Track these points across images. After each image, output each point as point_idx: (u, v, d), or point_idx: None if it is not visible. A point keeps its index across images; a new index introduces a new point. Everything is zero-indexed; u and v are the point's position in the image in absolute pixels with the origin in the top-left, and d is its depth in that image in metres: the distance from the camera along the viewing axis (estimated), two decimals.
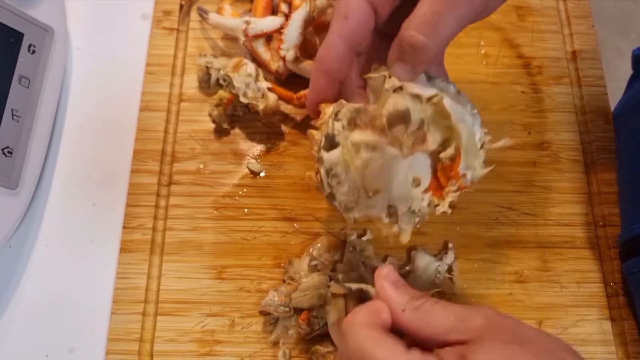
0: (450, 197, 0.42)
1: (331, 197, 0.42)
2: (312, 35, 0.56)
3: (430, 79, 0.43)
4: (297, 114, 0.57)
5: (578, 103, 0.58)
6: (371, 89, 0.44)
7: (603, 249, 0.52)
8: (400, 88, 0.41)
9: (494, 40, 0.61)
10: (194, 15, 0.61)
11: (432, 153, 0.42)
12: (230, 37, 0.60)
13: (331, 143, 0.42)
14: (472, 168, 0.42)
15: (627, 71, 0.59)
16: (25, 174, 0.50)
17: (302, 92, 0.55)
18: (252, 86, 0.53)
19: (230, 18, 0.58)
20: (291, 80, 0.58)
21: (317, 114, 0.44)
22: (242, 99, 0.53)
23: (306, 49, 0.56)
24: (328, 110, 0.42)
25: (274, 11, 0.58)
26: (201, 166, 0.55)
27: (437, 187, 0.42)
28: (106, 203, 0.53)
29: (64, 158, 0.55)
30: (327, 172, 0.42)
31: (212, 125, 0.56)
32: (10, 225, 0.49)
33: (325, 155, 0.41)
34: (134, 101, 0.57)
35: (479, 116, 0.43)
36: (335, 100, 0.43)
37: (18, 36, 0.52)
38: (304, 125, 0.57)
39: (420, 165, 0.42)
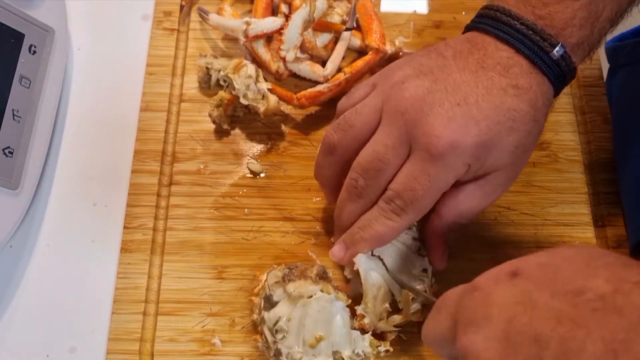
0: (391, 336, 0.46)
1: (278, 353, 0.43)
2: (312, 36, 0.56)
3: None
4: (298, 114, 0.57)
5: (577, 103, 0.58)
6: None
7: (601, 248, 0.53)
8: None
9: None
10: (194, 15, 0.61)
11: None
12: (230, 38, 0.60)
13: (270, 303, 0.44)
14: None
15: None
16: (26, 174, 0.50)
17: (303, 93, 0.55)
18: (252, 88, 0.53)
19: (230, 19, 0.58)
20: (291, 81, 0.58)
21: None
22: (243, 101, 0.53)
23: (306, 49, 0.57)
24: (262, 277, 0.46)
25: (274, 12, 0.59)
26: (201, 166, 0.55)
27: None
28: (107, 203, 0.53)
29: (64, 158, 0.55)
30: (271, 330, 0.43)
31: (212, 126, 0.56)
32: (11, 225, 0.49)
33: (267, 315, 0.44)
34: (134, 101, 0.57)
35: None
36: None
37: (19, 36, 0.52)
38: (304, 126, 0.57)
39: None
